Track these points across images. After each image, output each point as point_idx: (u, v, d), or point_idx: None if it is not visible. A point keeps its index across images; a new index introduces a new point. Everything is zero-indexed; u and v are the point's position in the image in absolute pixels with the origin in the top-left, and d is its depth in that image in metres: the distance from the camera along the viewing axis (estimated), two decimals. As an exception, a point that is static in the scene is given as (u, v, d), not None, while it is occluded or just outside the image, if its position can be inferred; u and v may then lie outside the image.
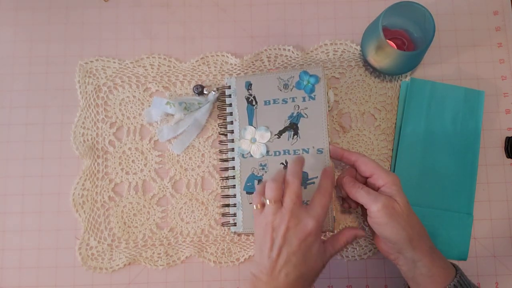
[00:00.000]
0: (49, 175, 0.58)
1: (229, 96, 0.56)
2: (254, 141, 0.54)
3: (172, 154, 0.58)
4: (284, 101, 0.54)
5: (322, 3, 0.62)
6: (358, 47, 0.59)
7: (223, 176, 0.56)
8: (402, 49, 0.57)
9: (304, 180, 0.52)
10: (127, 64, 0.59)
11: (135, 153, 0.58)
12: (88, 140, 0.58)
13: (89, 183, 0.57)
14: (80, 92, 0.59)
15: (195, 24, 0.61)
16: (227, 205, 0.55)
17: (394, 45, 0.56)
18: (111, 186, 0.57)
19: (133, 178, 0.57)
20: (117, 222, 0.56)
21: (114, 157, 0.58)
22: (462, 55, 0.60)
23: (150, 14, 0.61)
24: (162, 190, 0.57)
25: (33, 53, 0.60)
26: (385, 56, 0.54)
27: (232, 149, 0.55)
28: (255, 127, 0.54)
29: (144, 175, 0.57)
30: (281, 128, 0.54)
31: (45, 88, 0.60)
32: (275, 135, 0.54)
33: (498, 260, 0.56)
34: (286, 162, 0.53)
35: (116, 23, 0.61)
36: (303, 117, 0.53)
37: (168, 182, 0.57)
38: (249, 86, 0.55)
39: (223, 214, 0.55)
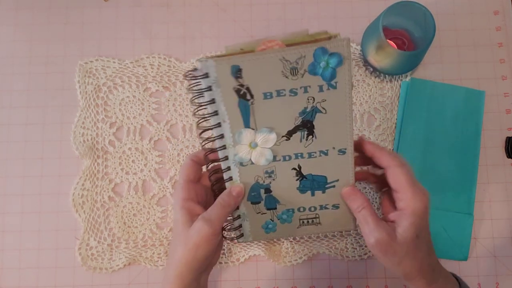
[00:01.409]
0: (49, 175, 0.58)
1: (209, 88, 0.39)
2: (254, 146, 0.42)
3: (172, 154, 0.58)
4: (293, 92, 0.39)
5: (322, 3, 0.61)
6: (358, 47, 0.59)
7: (215, 189, 0.45)
8: (402, 49, 0.57)
9: (323, 185, 0.43)
10: (127, 64, 0.59)
11: (135, 153, 0.58)
12: (88, 140, 0.58)
13: (89, 183, 0.57)
14: (80, 92, 0.59)
15: (195, 24, 0.61)
16: (228, 220, 0.46)
17: (394, 45, 0.56)
18: (111, 186, 0.57)
19: (133, 178, 0.57)
20: (117, 222, 0.56)
21: (114, 157, 0.58)
22: (462, 55, 0.60)
23: (150, 14, 0.61)
24: (162, 190, 0.57)
25: (33, 53, 0.60)
26: (385, 56, 0.54)
27: (225, 158, 0.43)
28: (254, 129, 0.41)
29: (144, 175, 0.57)
30: (290, 128, 0.41)
31: (45, 88, 0.60)
32: (283, 136, 0.41)
33: (499, 260, 0.56)
34: (300, 167, 0.42)
35: (116, 23, 0.61)
36: (320, 112, 0.40)
37: (168, 182, 0.57)
38: (237, 72, 0.38)
39: (224, 228, 0.46)
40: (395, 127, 0.58)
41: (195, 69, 0.40)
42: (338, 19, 0.61)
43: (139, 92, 0.59)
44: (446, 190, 0.56)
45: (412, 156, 0.56)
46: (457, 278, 0.44)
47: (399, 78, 0.59)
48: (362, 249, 0.56)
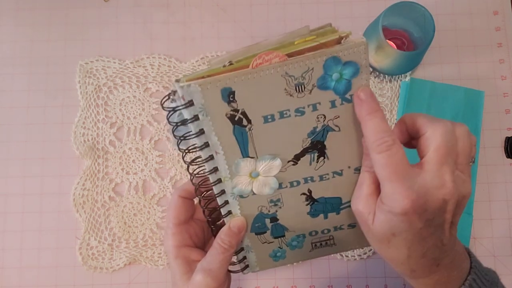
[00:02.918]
0: (50, 175, 0.58)
1: (195, 118, 0.32)
2: (255, 176, 0.35)
3: (173, 154, 0.58)
4: (300, 112, 0.33)
5: (322, 3, 0.62)
6: (358, 47, 0.59)
7: (212, 225, 0.39)
8: (402, 49, 0.57)
9: (337, 206, 0.38)
10: (127, 64, 0.60)
11: (135, 153, 0.58)
12: (88, 140, 0.58)
13: (89, 183, 0.57)
14: (81, 92, 0.59)
15: (195, 24, 0.61)
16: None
17: (394, 45, 0.56)
18: (111, 186, 0.57)
19: (134, 178, 0.57)
20: (118, 222, 0.56)
21: (115, 157, 0.58)
22: (462, 55, 0.60)
23: (150, 14, 0.61)
24: (163, 190, 0.57)
25: (33, 53, 0.60)
26: (385, 56, 0.54)
27: (222, 192, 0.36)
28: (253, 157, 0.34)
29: (145, 175, 0.57)
30: (298, 152, 0.35)
31: (46, 88, 0.60)
32: (289, 161, 0.35)
33: (498, 260, 0.56)
34: (310, 192, 0.37)
35: (116, 23, 0.61)
36: (333, 130, 0.34)
37: (168, 182, 0.57)
38: (229, 96, 0.32)
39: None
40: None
41: (173, 92, 0.32)
42: (338, 19, 0.61)
43: (140, 92, 0.59)
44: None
45: (411, 156, 0.56)
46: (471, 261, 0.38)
47: (398, 78, 0.59)
48: (362, 249, 0.56)
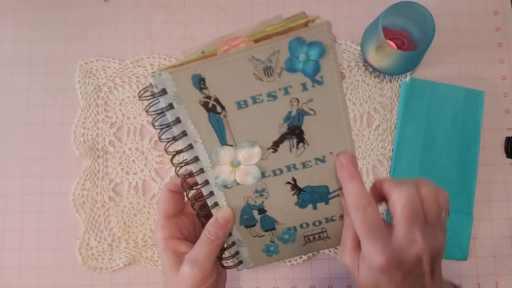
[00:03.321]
0: (49, 175, 0.58)
1: (170, 107, 0.33)
2: (237, 165, 0.36)
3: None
4: (272, 96, 0.33)
5: (322, 3, 0.62)
6: (358, 47, 0.59)
7: (201, 217, 0.39)
8: (402, 49, 0.57)
9: (325, 195, 0.38)
10: (127, 64, 0.59)
11: (135, 153, 0.58)
12: (88, 140, 0.58)
13: (89, 183, 0.57)
14: (80, 92, 0.59)
15: (195, 24, 0.61)
16: (222, 248, 0.41)
17: (394, 45, 0.56)
18: (111, 186, 0.57)
19: (133, 178, 0.57)
20: (117, 222, 0.56)
21: (114, 157, 0.58)
22: (462, 55, 0.60)
23: (150, 14, 0.61)
24: (162, 190, 0.57)
25: (33, 53, 0.60)
26: (385, 56, 0.54)
27: (206, 182, 0.37)
28: (232, 146, 0.35)
29: (144, 175, 0.57)
30: (276, 138, 0.35)
31: (45, 88, 0.60)
32: (268, 149, 0.35)
33: (498, 260, 0.56)
34: (295, 180, 0.37)
35: (116, 23, 0.61)
36: (308, 114, 0.34)
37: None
38: (200, 82, 0.32)
39: (220, 258, 0.41)
40: (395, 127, 0.58)
41: (151, 85, 0.33)
42: (338, 19, 0.61)
43: (139, 92, 0.59)
44: (446, 190, 0.55)
45: (411, 156, 0.56)
46: None
47: (399, 78, 0.59)
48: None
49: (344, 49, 0.60)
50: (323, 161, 0.36)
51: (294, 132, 0.35)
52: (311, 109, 0.34)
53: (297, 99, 0.33)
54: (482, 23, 0.61)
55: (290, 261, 0.55)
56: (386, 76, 0.59)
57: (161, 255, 0.39)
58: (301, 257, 0.55)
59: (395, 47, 0.55)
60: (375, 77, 0.59)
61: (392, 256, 0.33)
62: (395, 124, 0.58)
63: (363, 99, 0.59)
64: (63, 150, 0.58)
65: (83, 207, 0.57)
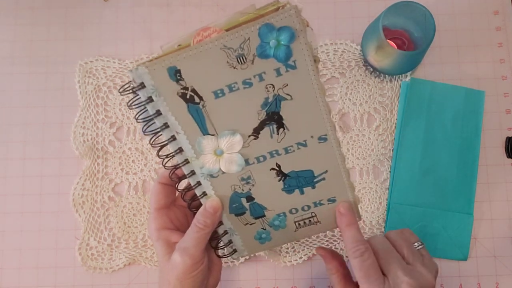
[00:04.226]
0: (49, 175, 0.58)
1: (149, 100, 0.34)
2: (220, 154, 0.37)
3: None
4: (247, 83, 0.34)
5: (322, 3, 0.61)
6: (358, 47, 0.59)
7: (192, 208, 0.40)
8: (402, 49, 0.57)
9: (310, 180, 0.38)
10: (127, 64, 0.59)
11: (135, 153, 0.58)
12: (88, 140, 0.58)
13: (89, 183, 0.57)
14: (80, 92, 0.59)
15: (195, 24, 0.61)
16: (216, 238, 0.42)
17: (394, 45, 0.56)
18: (111, 186, 0.57)
19: (133, 178, 0.57)
20: (117, 222, 0.56)
21: (114, 157, 0.58)
22: (462, 55, 0.60)
23: (150, 14, 0.61)
24: (162, 190, 0.57)
25: (32, 52, 0.60)
26: (385, 56, 0.54)
27: (192, 173, 0.38)
28: (213, 135, 0.36)
29: (144, 175, 0.57)
30: (256, 125, 0.36)
31: (45, 88, 0.59)
32: (249, 136, 0.36)
33: (499, 260, 0.56)
34: (279, 166, 0.38)
35: (116, 23, 0.61)
36: (285, 99, 0.35)
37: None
38: (176, 74, 0.33)
39: (216, 247, 0.42)
40: (395, 127, 0.58)
41: (130, 81, 0.34)
42: (338, 19, 0.61)
43: (139, 92, 0.59)
44: (446, 190, 0.56)
45: (411, 156, 0.56)
46: None
47: (399, 78, 0.59)
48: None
49: (344, 49, 0.60)
50: (305, 145, 0.37)
51: (273, 118, 0.35)
52: (288, 94, 0.35)
53: (272, 85, 0.34)
54: (483, 23, 0.61)
55: (290, 261, 0.55)
56: (386, 76, 0.59)
57: (154, 245, 0.40)
58: (301, 257, 0.55)
59: (395, 47, 0.55)
60: (375, 77, 0.59)
61: None
62: (395, 124, 0.58)
63: (363, 99, 0.59)
64: (62, 150, 0.58)
65: (83, 207, 0.57)
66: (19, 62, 0.60)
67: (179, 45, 0.34)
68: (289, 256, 0.55)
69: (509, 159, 0.58)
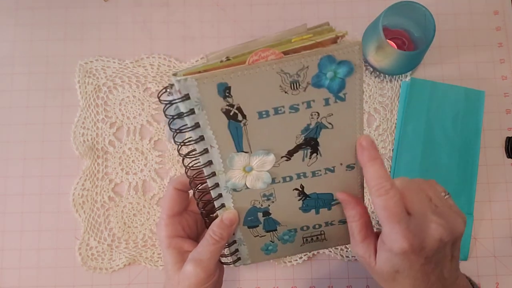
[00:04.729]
0: (49, 175, 0.58)
1: (191, 112, 0.33)
2: (249, 170, 0.36)
3: (172, 154, 0.58)
4: (294, 108, 0.33)
5: (322, 3, 0.61)
6: (358, 47, 0.59)
7: (205, 217, 0.40)
8: (402, 49, 0.57)
9: (328, 202, 0.39)
10: (127, 64, 0.59)
11: (135, 153, 0.58)
12: (88, 140, 0.58)
13: (89, 183, 0.57)
14: (80, 92, 0.59)
15: (195, 24, 0.61)
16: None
17: (394, 45, 0.56)
18: (111, 186, 0.57)
19: (133, 178, 0.57)
20: (117, 222, 0.56)
21: (114, 157, 0.58)
22: (462, 55, 0.60)
23: (150, 14, 0.61)
24: (162, 190, 0.57)
25: (32, 52, 0.60)
26: (385, 56, 0.54)
27: (216, 185, 0.37)
28: (247, 152, 0.35)
29: (144, 175, 0.57)
30: (291, 148, 0.35)
31: (45, 88, 0.59)
32: (282, 157, 0.36)
33: (499, 260, 0.56)
34: (302, 187, 0.38)
35: (116, 23, 0.61)
36: (326, 128, 0.35)
37: (168, 182, 0.57)
38: (225, 91, 0.32)
39: (220, 255, 0.40)
40: (395, 127, 0.58)
41: (170, 86, 0.33)
42: (338, 19, 0.61)
43: (139, 92, 0.59)
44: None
45: (411, 156, 0.56)
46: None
47: (399, 78, 0.59)
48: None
49: (344, 49, 0.60)
50: (332, 171, 0.37)
51: (310, 143, 0.35)
52: (329, 123, 0.34)
53: (317, 112, 0.34)
54: (483, 23, 0.61)
55: (290, 261, 0.55)
56: (387, 76, 0.59)
57: (163, 253, 0.39)
58: (301, 257, 0.55)
59: (395, 47, 0.55)
60: (375, 77, 0.59)
61: (414, 239, 0.32)
62: (395, 124, 0.58)
63: (364, 99, 0.59)
64: (63, 150, 0.58)
65: (83, 207, 0.57)
66: (19, 62, 0.60)
67: (227, 58, 0.32)
68: (289, 256, 0.55)
69: (509, 159, 0.58)
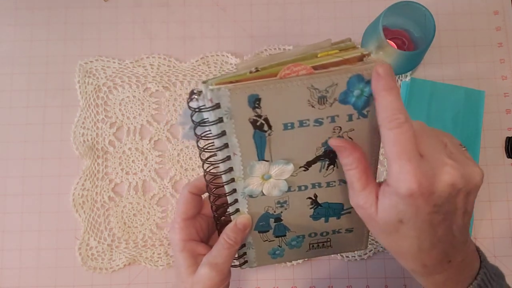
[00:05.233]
0: (49, 175, 0.58)
1: (219, 120, 0.34)
2: (267, 178, 0.37)
3: (172, 154, 0.58)
4: (318, 122, 0.34)
5: (322, 3, 0.61)
6: (358, 47, 0.59)
7: (218, 220, 0.40)
8: (402, 49, 0.57)
9: (338, 211, 0.40)
10: (127, 64, 0.59)
11: (135, 153, 0.58)
12: (88, 140, 0.58)
13: (89, 183, 0.57)
14: (80, 92, 0.59)
15: (195, 24, 0.61)
16: None
17: (394, 45, 0.56)
18: (111, 186, 0.57)
19: (133, 178, 0.57)
20: (117, 222, 0.56)
21: (114, 157, 0.58)
22: (462, 55, 0.60)
23: (150, 14, 0.61)
24: (162, 190, 0.57)
25: (32, 52, 0.60)
26: (385, 56, 0.54)
27: (233, 191, 0.38)
28: (268, 161, 0.36)
29: (144, 175, 0.57)
30: (310, 159, 0.36)
31: (45, 88, 0.59)
32: (300, 167, 0.37)
33: (499, 260, 0.56)
34: (316, 196, 0.39)
35: (116, 23, 0.61)
36: None
37: (168, 182, 0.57)
38: (255, 102, 0.33)
39: None
40: (395, 127, 0.58)
41: (198, 93, 0.33)
42: (338, 19, 0.61)
43: (139, 92, 0.59)
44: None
45: (412, 156, 0.56)
46: (481, 260, 0.36)
47: (399, 78, 0.59)
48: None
49: (344, 49, 0.60)
50: (346, 183, 0.37)
51: (329, 155, 0.36)
52: (349, 137, 0.35)
53: (340, 127, 0.35)
54: (482, 23, 0.61)
55: (291, 262, 0.55)
56: (386, 76, 0.59)
57: (176, 256, 0.39)
58: (301, 257, 0.55)
59: (396, 47, 0.55)
60: (375, 77, 0.59)
61: (424, 180, 0.29)
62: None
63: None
64: (63, 150, 0.58)
65: (83, 207, 0.57)
66: (19, 62, 0.60)
67: (256, 69, 0.33)
68: (294, 260, 0.55)
69: (509, 159, 0.58)
